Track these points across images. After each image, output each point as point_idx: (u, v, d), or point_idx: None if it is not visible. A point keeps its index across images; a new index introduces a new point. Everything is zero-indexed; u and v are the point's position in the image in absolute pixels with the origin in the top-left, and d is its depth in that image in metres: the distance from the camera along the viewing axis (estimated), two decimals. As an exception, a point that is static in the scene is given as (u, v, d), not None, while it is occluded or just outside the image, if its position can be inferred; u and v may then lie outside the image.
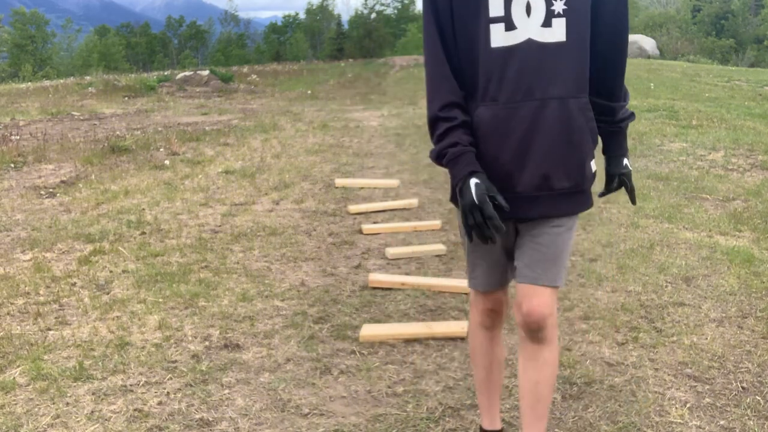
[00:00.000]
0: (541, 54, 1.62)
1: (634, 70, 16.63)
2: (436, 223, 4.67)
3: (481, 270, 1.89)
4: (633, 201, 1.99)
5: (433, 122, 1.72)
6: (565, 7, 1.63)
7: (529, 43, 1.62)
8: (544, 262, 1.75)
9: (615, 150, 1.91)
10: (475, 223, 1.61)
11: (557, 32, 1.63)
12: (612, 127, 1.86)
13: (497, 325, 2.00)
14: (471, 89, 1.70)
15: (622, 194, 2.02)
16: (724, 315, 3.16)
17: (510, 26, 1.62)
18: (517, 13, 1.62)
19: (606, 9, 1.72)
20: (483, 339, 2.01)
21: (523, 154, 1.66)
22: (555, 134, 1.65)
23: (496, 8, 1.63)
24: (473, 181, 1.62)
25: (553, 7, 1.62)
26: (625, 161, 1.91)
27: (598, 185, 1.94)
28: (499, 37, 1.63)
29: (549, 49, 1.63)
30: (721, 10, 45.99)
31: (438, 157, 1.71)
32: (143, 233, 4.51)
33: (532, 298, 1.75)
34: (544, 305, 1.75)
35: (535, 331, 1.77)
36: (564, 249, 1.77)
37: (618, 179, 1.92)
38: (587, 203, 1.80)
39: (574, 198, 1.75)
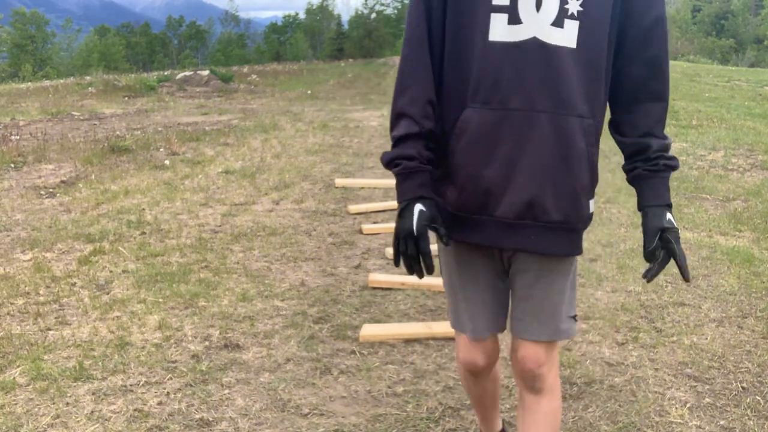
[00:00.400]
0: (547, 58, 1.38)
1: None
2: (436, 223, 4.66)
3: (463, 312, 1.62)
4: (685, 275, 1.47)
5: (399, 117, 1.47)
6: (580, 8, 1.39)
7: (535, 42, 1.38)
8: (540, 316, 1.54)
9: (651, 198, 1.52)
10: (407, 254, 1.42)
11: (568, 36, 1.39)
12: (648, 166, 1.51)
13: (486, 373, 1.73)
14: (458, 89, 1.45)
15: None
16: (724, 315, 3.17)
17: (515, 19, 1.38)
18: (525, 5, 1.38)
19: (635, 22, 1.46)
20: (471, 380, 1.77)
21: (508, 172, 1.41)
22: (548, 155, 1.40)
23: None
24: (418, 208, 1.42)
25: (567, 6, 1.38)
26: (669, 216, 1.51)
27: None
28: (500, 30, 1.39)
29: (556, 54, 1.38)
30: (721, 10, 46.00)
31: (389, 164, 1.48)
32: (143, 233, 4.51)
33: (527, 349, 1.57)
34: (542, 355, 1.56)
35: (531, 381, 1.59)
36: (562, 299, 1.54)
37: (660, 237, 1.48)
38: (576, 246, 1.52)
39: (563, 236, 1.48)
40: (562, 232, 1.47)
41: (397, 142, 1.46)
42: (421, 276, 1.44)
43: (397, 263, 1.45)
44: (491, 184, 1.43)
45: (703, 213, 4.89)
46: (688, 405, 2.41)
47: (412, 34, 1.48)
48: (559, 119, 1.40)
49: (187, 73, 18.97)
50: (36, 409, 2.39)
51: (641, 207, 1.55)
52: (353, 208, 5.12)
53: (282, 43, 66.10)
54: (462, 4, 1.43)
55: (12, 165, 6.89)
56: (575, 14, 1.39)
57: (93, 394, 2.49)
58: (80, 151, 7.58)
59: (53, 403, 2.43)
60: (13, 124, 10.24)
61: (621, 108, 1.53)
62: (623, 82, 1.50)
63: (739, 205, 5.12)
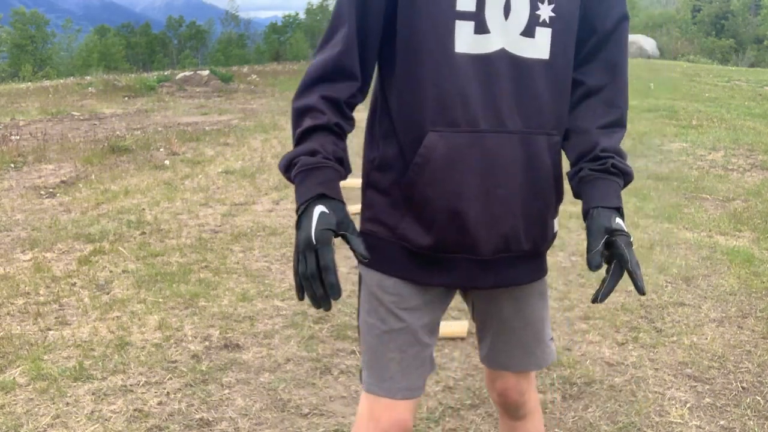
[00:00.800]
0: (517, 72, 1.22)
1: (634, 70, 16.63)
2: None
3: (396, 364, 1.31)
4: (639, 287, 1.21)
5: (302, 113, 1.20)
6: (552, 14, 1.23)
7: (503, 54, 1.20)
8: (525, 346, 1.42)
9: (597, 199, 1.27)
10: (306, 273, 1.08)
11: (540, 46, 1.22)
12: (595, 166, 1.29)
13: None
14: (414, 107, 1.22)
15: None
16: (724, 315, 3.17)
17: (482, 28, 1.19)
18: (493, 12, 1.19)
19: (597, 24, 1.30)
20: None
21: (483, 205, 1.23)
22: (520, 179, 1.25)
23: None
24: (318, 209, 1.11)
25: (538, 12, 1.22)
26: (618, 219, 1.27)
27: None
28: (466, 40, 1.19)
29: (526, 67, 1.22)
30: (721, 10, 46.00)
31: (288, 168, 1.18)
32: (143, 233, 4.51)
33: (509, 380, 1.45)
34: (524, 384, 1.46)
35: (514, 410, 1.50)
36: (544, 325, 1.43)
37: (607, 241, 1.23)
38: (543, 269, 1.40)
39: (532, 263, 1.36)
40: (531, 258, 1.35)
41: (299, 139, 1.20)
42: (327, 307, 1.10)
43: (300, 295, 1.12)
44: (466, 220, 1.23)
45: (703, 213, 4.89)
46: (688, 405, 2.41)
47: (336, 31, 1.23)
48: (529, 139, 1.24)
49: (187, 73, 18.95)
50: (36, 409, 2.39)
51: (585, 210, 1.28)
52: (353, 208, 5.10)
53: (282, 43, 66.13)
54: (418, 5, 1.20)
55: (12, 165, 6.89)
56: (547, 21, 1.22)
57: (93, 394, 2.49)
58: (80, 151, 7.58)
59: (53, 403, 2.43)
60: (13, 124, 10.24)
61: (569, 118, 1.33)
62: (575, 91, 1.32)
63: (739, 205, 5.12)
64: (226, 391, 2.52)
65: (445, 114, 1.20)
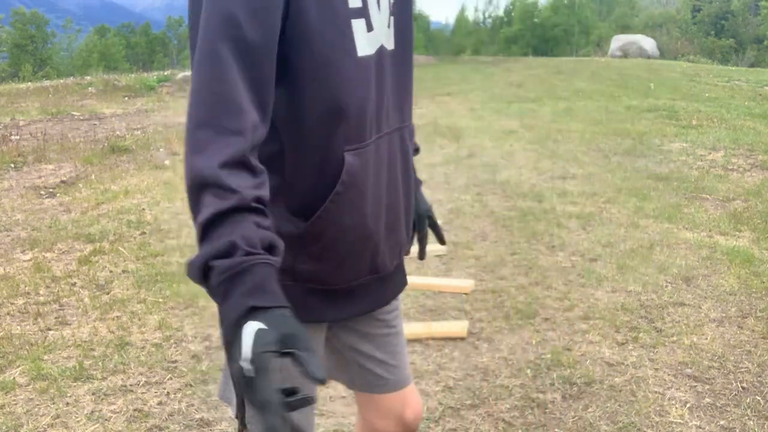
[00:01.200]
0: (391, 66, 1.14)
1: (634, 70, 16.63)
2: (436, 223, 4.66)
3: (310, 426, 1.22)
4: (442, 239, 1.46)
5: (200, 188, 0.87)
6: (392, 0, 1.14)
7: (383, 50, 1.11)
8: (405, 355, 1.34)
9: (418, 183, 1.37)
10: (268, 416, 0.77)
11: (393, 35, 1.15)
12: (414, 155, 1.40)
13: None
14: (319, 127, 1.04)
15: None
16: (724, 315, 3.17)
17: (370, 25, 1.07)
18: (373, 5, 1.08)
19: None
20: None
21: (389, 218, 1.15)
22: (401, 178, 1.18)
23: None
24: (250, 328, 0.79)
25: (391, 0, 1.14)
26: (425, 195, 1.44)
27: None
28: (363, 41, 1.05)
29: (392, 59, 1.14)
30: (721, 10, 46.00)
31: (203, 275, 0.85)
32: (143, 233, 4.51)
33: (413, 396, 1.34)
34: (420, 400, 1.39)
35: None
36: None
37: (428, 220, 1.42)
38: None
39: (403, 263, 1.33)
40: (404, 259, 1.30)
41: (205, 231, 0.86)
42: None
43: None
44: (378, 240, 1.13)
45: (703, 213, 4.89)
46: (688, 405, 2.41)
47: (220, 59, 0.91)
48: (401, 134, 1.18)
49: (187, 73, 18.91)
50: (36, 409, 2.40)
51: None
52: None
53: (282, 43, 66.03)
54: (309, 6, 0.99)
55: (12, 165, 6.89)
56: (392, 9, 1.14)
57: (93, 394, 2.49)
58: (80, 151, 7.57)
59: (53, 403, 2.43)
60: (13, 124, 10.24)
61: None
62: None
63: (739, 205, 5.12)
64: (226, 391, 2.52)
65: (359, 129, 1.06)
